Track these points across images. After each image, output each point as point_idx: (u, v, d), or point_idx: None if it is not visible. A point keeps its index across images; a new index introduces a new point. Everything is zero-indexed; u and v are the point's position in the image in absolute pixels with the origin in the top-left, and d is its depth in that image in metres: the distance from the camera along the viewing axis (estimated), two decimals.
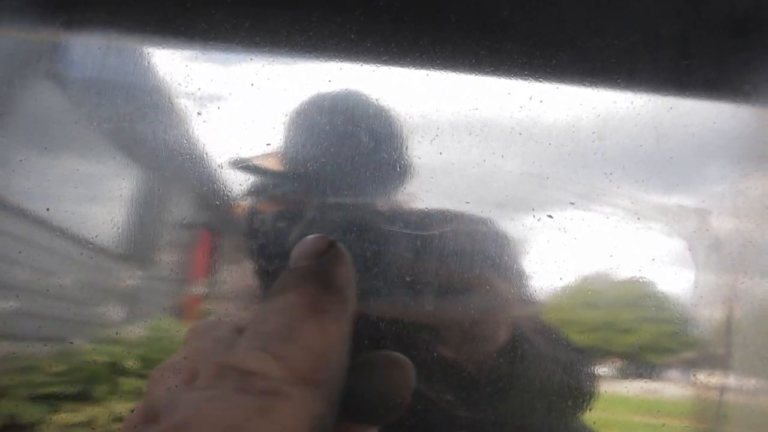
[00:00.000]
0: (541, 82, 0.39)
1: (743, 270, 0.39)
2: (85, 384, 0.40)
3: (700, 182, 0.39)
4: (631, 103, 0.39)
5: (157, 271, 0.41)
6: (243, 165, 0.38)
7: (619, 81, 0.40)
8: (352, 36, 0.38)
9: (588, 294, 0.38)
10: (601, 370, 0.39)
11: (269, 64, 0.39)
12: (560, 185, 0.37)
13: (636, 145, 0.39)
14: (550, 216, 0.37)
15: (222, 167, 0.38)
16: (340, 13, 0.38)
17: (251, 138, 0.38)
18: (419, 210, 0.37)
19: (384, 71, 0.38)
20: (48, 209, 0.39)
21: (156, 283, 0.41)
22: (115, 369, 0.40)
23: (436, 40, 0.39)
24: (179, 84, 0.39)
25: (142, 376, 0.39)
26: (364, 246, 0.35)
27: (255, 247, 0.37)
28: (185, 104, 0.39)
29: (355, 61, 0.38)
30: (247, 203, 0.39)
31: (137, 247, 0.40)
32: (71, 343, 0.40)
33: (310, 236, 0.28)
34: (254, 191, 0.39)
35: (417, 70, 0.39)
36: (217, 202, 0.39)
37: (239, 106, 0.38)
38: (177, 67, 0.40)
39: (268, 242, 0.37)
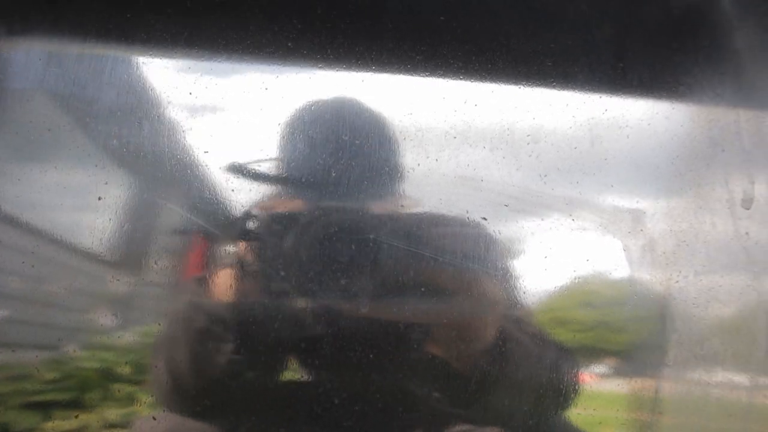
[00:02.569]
0: (476, 85, 0.38)
1: (677, 269, 0.38)
2: (78, 391, 0.40)
3: (635, 183, 0.39)
4: (566, 105, 0.39)
5: (149, 276, 0.40)
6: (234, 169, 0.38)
7: (554, 84, 0.39)
8: (289, 44, 0.38)
9: (523, 293, 0.38)
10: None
11: (208, 72, 0.38)
12: (495, 188, 0.37)
13: (571, 147, 0.38)
14: (484, 218, 0.37)
15: (212, 175, 0.38)
16: (276, 21, 0.38)
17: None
18: (354, 211, 0.36)
19: (320, 77, 0.38)
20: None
21: (148, 289, 0.40)
22: (108, 375, 0.40)
23: (372, 45, 0.38)
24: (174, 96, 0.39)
25: (134, 382, 0.39)
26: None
27: (248, 251, 0.38)
28: (173, 114, 0.39)
29: (292, 68, 0.38)
30: (238, 209, 0.39)
31: (128, 254, 0.39)
32: (63, 350, 0.39)
33: None
34: (247, 196, 0.39)
35: (353, 75, 0.38)
36: (209, 207, 0.38)
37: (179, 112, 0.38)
38: (130, 75, 0.40)
39: (262, 246, 0.37)
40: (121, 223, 0.38)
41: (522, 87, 0.39)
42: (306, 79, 0.38)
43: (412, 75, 0.38)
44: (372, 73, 0.38)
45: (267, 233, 0.37)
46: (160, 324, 0.38)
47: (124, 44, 0.39)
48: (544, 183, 0.38)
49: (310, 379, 0.38)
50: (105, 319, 0.39)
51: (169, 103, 0.38)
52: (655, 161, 0.39)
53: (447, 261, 0.36)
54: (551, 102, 0.39)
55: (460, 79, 0.38)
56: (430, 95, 0.38)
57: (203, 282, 0.38)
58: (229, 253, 0.39)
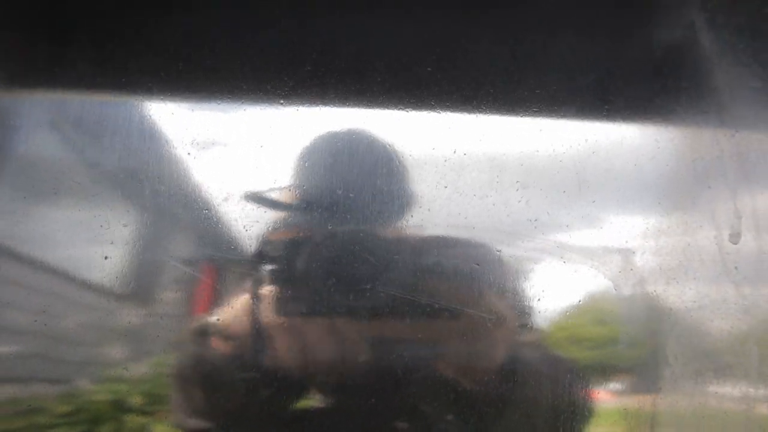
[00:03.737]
0: (464, 135, 0.39)
1: (668, 306, 0.39)
2: (90, 423, 0.40)
3: (623, 224, 0.40)
4: (554, 150, 0.40)
5: (160, 308, 0.40)
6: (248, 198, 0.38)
7: (541, 130, 0.40)
8: (281, 101, 0.39)
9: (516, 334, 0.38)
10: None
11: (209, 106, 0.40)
12: (486, 235, 0.38)
13: (559, 192, 0.39)
14: (477, 264, 0.37)
15: (218, 205, 0.39)
16: (268, 81, 0.38)
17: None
18: (348, 263, 0.37)
19: (310, 133, 0.39)
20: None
21: (159, 320, 0.40)
22: (120, 407, 0.39)
23: (362, 99, 0.39)
24: (177, 130, 0.40)
25: (147, 413, 0.39)
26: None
27: (259, 278, 0.38)
28: (177, 150, 0.39)
29: (283, 125, 0.39)
30: (246, 237, 0.39)
31: (138, 286, 0.39)
32: (75, 383, 0.39)
33: None
34: (254, 225, 0.39)
35: (342, 127, 0.39)
36: (217, 236, 0.39)
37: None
38: (170, 117, 0.41)
39: (274, 272, 0.37)
40: (130, 257, 0.39)
41: (509, 134, 0.40)
42: (298, 135, 0.38)
43: (401, 127, 0.39)
44: (362, 126, 0.39)
45: (272, 260, 0.38)
46: (171, 354, 0.39)
47: (126, 87, 0.40)
48: (535, 227, 0.38)
49: (322, 401, 0.39)
50: (116, 351, 0.40)
51: (172, 137, 0.39)
52: (642, 202, 0.40)
53: (443, 308, 0.36)
54: (538, 148, 0.39)
55: (449, 129, 0.39)
56: (420, 146, 0.39)
57: (213, 312, 0.39)
58: (237, 282, 0.39)
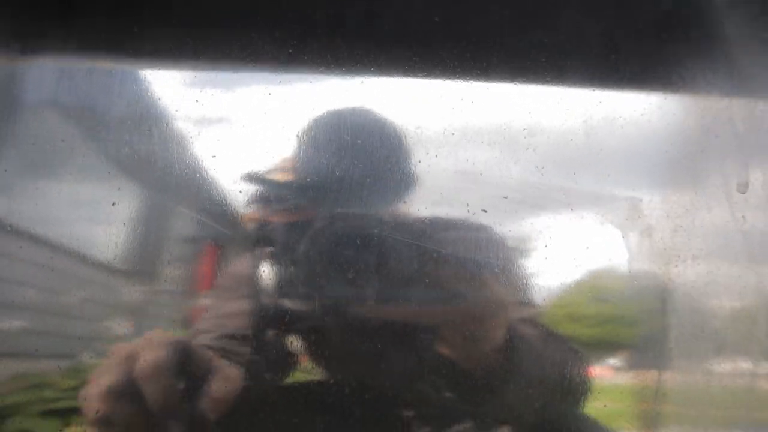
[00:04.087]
0: (472, 84, 0.39)
1: (675, 254, 0.39)
2: None
3: (630, 172, 0.40)
4: (561, 99, 0.40)
5: (163, 284, 0.41)
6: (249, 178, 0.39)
7: (548, 79, 0.40)
8: (290, 50, 0.39)
9: (524, 282, 0.38)
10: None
11: (213, 81, 0.40)
12: (493, 181, 0.38)
13: (566, 140, 0.39)
14: (484, 210, 0.38)
15: (222, 184, 0.39)
16: (277, 28, 0.39)
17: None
18: (358, 210, 0.37)
19: (321, 81, 0.39)
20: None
21: (162, 297, 0.41)
22: None
23: (370, 49, 0.39)
24: (174, 108, 0.40)
25: None
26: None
27: (259, 254, 0.38)
28: (183, 126, 0.40)
29: (293, 73, 0.39)
30: (249, 215, 0.40)
31: (142, 263, 0.40)
32: (80, 358, 0.40)
33: None
34: (256, 203, 0.40)
35: (353, 78, 0.40)
36: (220, 215, 0.39)
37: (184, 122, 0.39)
38: (139, 87, 0.41)
39: (275, 252, 0.38)
40: (133, 233, 0.39)
41: (517, 83, 0.40)
42: (308, 84, 0.39)
43: (409, 76, 0.39)
44: (370, 76, 0.39)
45: (276, 234, 0.38)
46: (174, 329, 0.40)
47: (132, 57, 0.41)
48: (542, 175, 0.38)
49: (322, 373, 0.40)
50: (120, 326, 0.40)
51: (176, 112, 0.39)
52: (650, 151, 0.40)
53: (450, 253, 0.37)
54: (546, 97, 0.40)
55: (457, 78, 0.39)
56: (427, 95, 0.39)
57: (215, 286, 0.40)
58: (239, 257, 0.40)
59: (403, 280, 0.36)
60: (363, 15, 0.39)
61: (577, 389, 0.38)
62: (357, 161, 0.37)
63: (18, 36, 0.41)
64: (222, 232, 0.40)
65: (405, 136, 0.38)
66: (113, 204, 0.38)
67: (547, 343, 0.38)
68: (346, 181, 0.37)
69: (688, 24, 0.41)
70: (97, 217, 0.40)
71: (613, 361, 0.41)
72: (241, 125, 0.39)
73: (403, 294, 0.36)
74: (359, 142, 0.38)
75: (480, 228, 0.37)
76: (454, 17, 0.39)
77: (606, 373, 0.40)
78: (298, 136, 0.39)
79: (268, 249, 0.38)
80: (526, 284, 0.38)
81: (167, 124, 0.39)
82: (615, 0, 0.42)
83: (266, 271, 0.38)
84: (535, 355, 0.37)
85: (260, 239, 0.39)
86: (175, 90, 0.41)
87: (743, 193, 0.39)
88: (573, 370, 0.37)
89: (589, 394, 0.38)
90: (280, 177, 0.39)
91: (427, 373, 0.38)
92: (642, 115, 0.40)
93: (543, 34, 0.40)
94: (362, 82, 0.39)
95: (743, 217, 0.39)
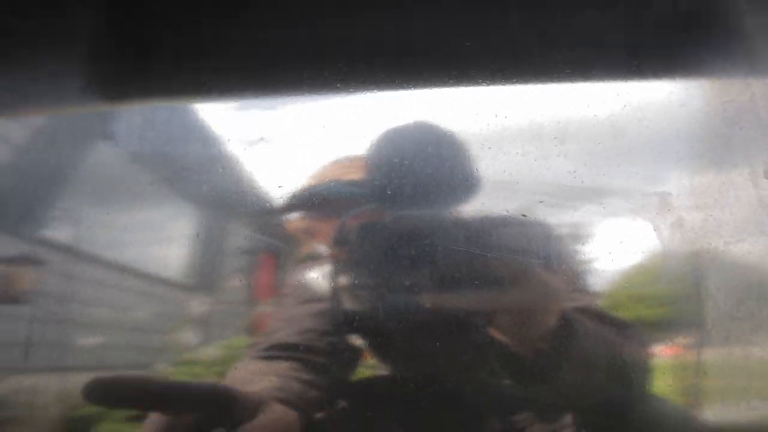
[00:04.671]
0: (503, 99, 0.43)
1: (707, 241, 0.42)
2: None
3: (659, 168, 0.42)
4: (588, 106, 0.43)
5: (226, 295, 0.44)
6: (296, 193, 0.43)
7: (574, 89, 0.43)
8: (338, 85, 0.44)
9: (563, 276, 0.42)
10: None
11: (287, 105, 0.45)
12: (529, 188, 0.42)
13: (595, 143, 0.42)
14: (523, 215, 0.41)
15: (271, 196, 0.43)
16: (325, 66, 0.44)
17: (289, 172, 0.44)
18: (410, 220, 0.42)
19: (367, 106, 0.44)
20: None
21: (226, 307, 0.44)
22: None
23: (410, 74, 0.44)
24: (220, 131, 0.45)
25: None
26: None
27: (317, 263, 0.42)
28: (229, 147, 0.44)
29: (342, 96, 0.44)
30: (303, 224, 0.44)
31: (204, 277, 0.44)
32: (155, 368, 0.44)
33: None
34: (309, 213, 0.44)
35: (396, 102, 0.44)
36: (275, 227, 0.43)
37: (274, 143, 0.44)
38: (214, 117, 0.47)
39: (331, 257, 0.42)
40: (195, 250, 0.44)
41: (545, 95, 0.43)
42: (355, 109, 0.44)
43: (447, 96, 0.44)
44: (409, 99, 0.44)
45: (335, 244, 0.43)
46: (239, 337, 0.44)
47: (210, 93, 0.46)
48: (574, 178, 0.42)
49: (387, 369, 0.44)
50: (189, 337, 0.44)
51: (236, 140, 0.44)
52: (676, 146, 0.42)
53: (496, 255, 0.41)
54: (573, 105, 0.43)
55: (489, 95, 0.43)
56: (464, 113, 0.43)
57: (277, 295, 0.44)
58: (296, 267, 0.44)
59: (457, 275, 0.39)
60: (398, 45, 0.44)
61: (635, 370, 0.40)
62: (408, 173, 0.42)
63: (102, 83, 0.47)
64: (277, 242, 0.44)
65: (448, 151, 0.42)
66: (172, 225, 0.44)
67: (600, 325, 0.40)
68: (400, 191, 0.41)
69: (708, 22, 0.44)
70: (161, 238, 0.44)
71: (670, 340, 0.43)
72: (290, 141, 0.44)
73: (458, 287, 0.39)
74: (410, 157, 0.42)
75: (526, 224, 0.41)
76: (483, 41, 0.43)
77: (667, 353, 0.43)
78: (349, 152, 0.44)
79: (325, 253, 0.43)
80: (573, 274, 0.42)
81: (225, 151, 0.44)
82: (632, 7, 0.44)
83: (325, 275, 0.42)
84: (589, 339, 0.39)
85: (317, 245, 0.43)
86: (230, 120, 0.46)
87: None
88: (627, 351, 0.40)
89: (648, 374, 0.40)
90: (332, 186, 0.43)
91: (486, 363, 0.41)
92: (665, 113, 0.42)
93: (566, 47, 0.43)
94: (405, 106, 0.43)
95: None
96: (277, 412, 0.36)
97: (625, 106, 0.42)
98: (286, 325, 0.42)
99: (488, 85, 0.43)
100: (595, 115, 0.42)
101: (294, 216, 0.43)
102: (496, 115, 0.42)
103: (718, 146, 0.42)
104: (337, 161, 0.43)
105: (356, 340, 0.42)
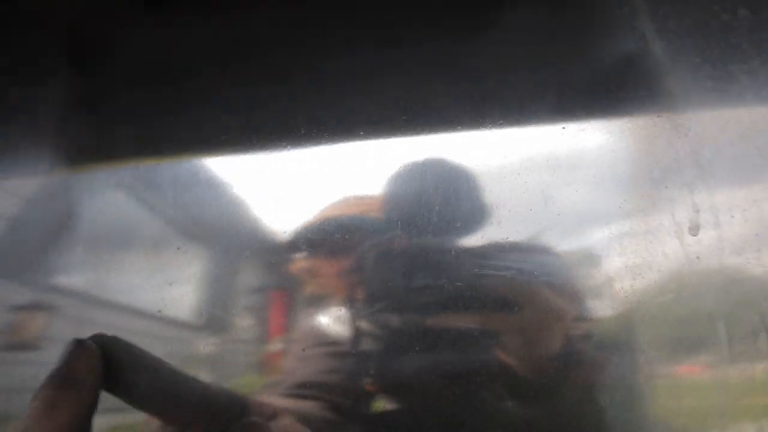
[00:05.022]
0: (436, 171, 0.45)
1: (635, 300, 0.44)
2: None
3: (588, 231, 0.44)
4: (518, 174, 0.45)
5: (237, 334, 0.45)
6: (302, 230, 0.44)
7: (505, 156, 0.45)
8: (361, 132, 0.46)
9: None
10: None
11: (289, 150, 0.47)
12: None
13: (527, 210, 0.44)
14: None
15: (280, 234, 0.45)
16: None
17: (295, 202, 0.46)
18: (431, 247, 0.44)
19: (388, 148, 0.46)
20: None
21: (236, 346, 0.45)
22: None
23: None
24: (231, 177, 0.48)
25: None
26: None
27: (324, 296, 0.44)
28: (237, 189, 0.47)
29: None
30: (312, 261, 0.45)
31: (215, 317, 0.45)
32: None
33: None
34: (317, 250, 0.45)
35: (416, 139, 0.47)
36: (283, 264, 0.45)
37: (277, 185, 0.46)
38: (225, 166, 0.48)
39: (342, 292, 0.43)
40: (203, 293, 0.45)
41: (474, 162, 0.45)
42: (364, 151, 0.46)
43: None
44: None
45: (350, 274, 0.44)
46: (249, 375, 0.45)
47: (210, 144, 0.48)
48: (502, 243, 0.44)
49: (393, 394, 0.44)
50: (200, 376, 0.46)
51: (245, 183, 0.46)
52: (604, 208, 0.44)
53: (509, 270, 0.43)
54: (503, 172, 0.45)
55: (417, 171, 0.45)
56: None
57: (289, 333, 0.45)
58: (309, 304, 0.46)
59: (467, 295, 0.41)
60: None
61: (640, 394, 0.42)
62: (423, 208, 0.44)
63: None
64: (288, 279, 0.45)
65: (465, 184, 0.44)
66: (180, 270, 0.45)
67: (601, 349, 0.42)
68: (413, 224, 0.43)
69: (633, 83, 0.45)
70: (168, 281, 0.45)
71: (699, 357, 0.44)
72: (298, 185, 0.46)
73: (467, 310, 0.41)
74: (434, 187, 0.44)
75: (538, 249, 0.43)
76: (418, 114, 0.45)
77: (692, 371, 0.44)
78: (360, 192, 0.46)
79: (336, 290, 0.44)
80: (581, 295, 0.43)
81: (229, 193, 0.46)
82: (560, 71, 0.46)
83: (339, 313, 0.43)
84: (591, 362, 0.41)
85: (326, 282, 0.44)
86: (235, 165, 0.48)
87: (695, 235, 0.43)
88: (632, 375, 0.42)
89: (654, 397, 0.42)
90: (356, 217, 0.45)
91: (490, 385, 0.42)
92: (594, 177, 0.44)
93: (496, 114, 0.45)
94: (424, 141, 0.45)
95: (697, 258, 0.43)
96: (288, 424, 0.37)
97: (554, 172, 0.44)
98: (304, 364, 0.43)
99: (418, 155, 0.45)
100: (525, 183, 0.44)
101: (303, 253, 0.44)
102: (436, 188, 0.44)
103: (645, 207, 0.43)
104: (348, 199, 0.45)
105: (373, 379, 0.43)
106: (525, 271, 0.43)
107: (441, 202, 0.44)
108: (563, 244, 0.44)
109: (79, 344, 0.31)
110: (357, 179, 0.46)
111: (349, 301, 0.43)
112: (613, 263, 0.44)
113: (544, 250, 0.43)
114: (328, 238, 0.44)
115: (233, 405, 0.35)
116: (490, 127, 0.45)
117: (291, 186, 0.46)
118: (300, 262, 0.45)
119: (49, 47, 0.51)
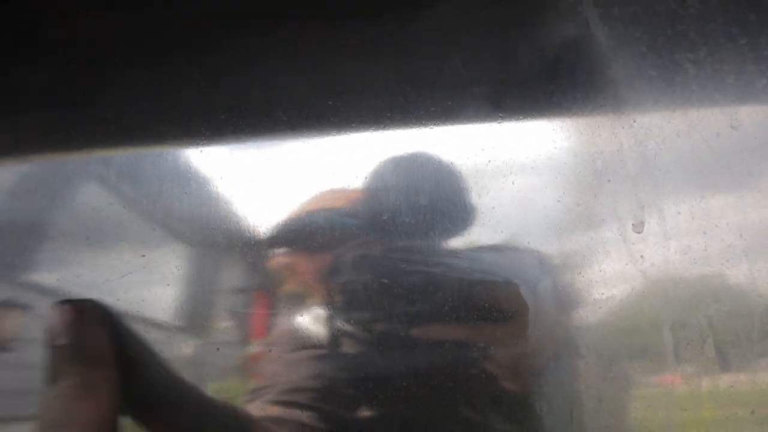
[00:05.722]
0: (365, 155, 0.42)
1: (576, 299, 0.40)
2: None
3: (523, 226, 0.41)
4: (452, 162, 0.42)
5: (218, 336, 0.43)
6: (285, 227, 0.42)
7: (435, 144, 0.42)
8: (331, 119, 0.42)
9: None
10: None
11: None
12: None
13: (459, 201, 0.41)
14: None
15: (262, 232, 0.42)
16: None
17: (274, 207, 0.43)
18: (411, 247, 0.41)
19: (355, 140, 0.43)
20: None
21: (214, 347, 0.43)
22: None
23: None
24: (209, 171, 0.44)
25: None
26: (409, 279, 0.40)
27: (305, 298, 0.41)
28: (220, 185, 0.43)
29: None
30: (295, 261, 0.42)
31: (196, 318, 0.42)
32: None
33: (61, 306, 0.28)
34: (301, 249, 0.42)
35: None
36: (266, 264, 0.42)
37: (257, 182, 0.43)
38: (203, 159, 0.45)
39: (325, 293, 0.41)
40: (184, 293, 0.42)
41: (405, 148, 0.42)
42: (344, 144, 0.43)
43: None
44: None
45: (329, 277, 0.41)
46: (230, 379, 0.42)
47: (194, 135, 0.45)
48: (439, 238, 0.40)
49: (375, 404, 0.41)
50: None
51: (226, 178, 0.43)
52: (542, 201, 0.41)
53: (496, 275, 0.40)
54: (438, 159, 0.42)
55: (346, 157, 0.42)
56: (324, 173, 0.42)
57: (271, 334, 0.42)
58: (292, 305, 0.43)
59: (452, 303, 0.39)
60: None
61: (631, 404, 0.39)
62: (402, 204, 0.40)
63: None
64: (270, 279, 0.42)
65: (451, 179, 0.41)
66: (161, 267, 0.42)
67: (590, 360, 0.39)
68: (393, 222, 0.40)
69: (574, 71, 0.43)
70: (149, 280, 0.43)
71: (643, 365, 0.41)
72: (282, 180, 0.43)
73: (452, 315, 0.39)
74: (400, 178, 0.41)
75: (524, 251, 0.40)
76: (347, 99, 0.42)
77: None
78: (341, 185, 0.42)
79: (316, 289, 0.41)
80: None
81: (209, 186, 0.43)
82: (498, 59, 0.43)
83: (321, 314, 0.41)
84: (579, 374, 0.39)
85: (306, 280, 0.42)
86: (212, 159, 0.44)
87: (639, 232, 0.40)
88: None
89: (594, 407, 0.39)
90: (335, 211, 0.42)
91: (473, 396, 0.40)
92: (533, 168, 0.41)
93: (431, 102, 0.42)
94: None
95: (641, 256, 0.40)
96: None
97: (489, 162, 0.41)
98: (287, 369, 0.41)
99: (347, 145, 0.41)
100: (460, 173, 0.41)
101: (284, 250, 0.41)
102: (356, 177, 0.41)
103: (587, 201, 0.40)
104: (328, 192, 0.42)
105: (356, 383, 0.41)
106: (457, 268, 0.40)
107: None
108: (497, 238, 0.41)
109: (86, 313, 0.28)
110: (342, 173, 0.43)
111: (329, 304, 0.41)
112: (551, 259, 0.40)
113: (479, 246, 0.40)
114: (309, 234, 0.41)
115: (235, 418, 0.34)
116: (423, 120, 0.42)
117: (270, 181, 0.43)
118: (279, 258, 0.42)
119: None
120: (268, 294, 0.42)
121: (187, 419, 0.32)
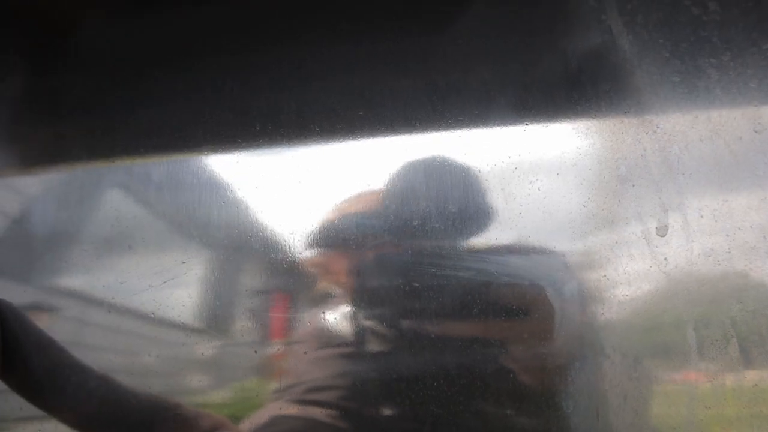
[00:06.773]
0: (394, 164, 0.44)
1: (601, 303, 0.41)
2: None
3: (550, 231, 0.42)
4: (479, 171, 0.43)
5: (239, 336, 0.44)
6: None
7: (465, 153, 0.43)
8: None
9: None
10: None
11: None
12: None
13: (489, 206, 0.43)
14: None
15: (283, 235, 0.44)
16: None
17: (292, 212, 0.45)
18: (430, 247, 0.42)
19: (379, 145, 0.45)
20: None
21: (238, 348, 0.44)
22: None
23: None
24: (247, 179, 0.46)
25: None
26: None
27: (325, 298, 0.43)
28: (256, 193, 0.45)
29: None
30: (329, 265, 0.44)
31: (217, 319, 0.44)
32: None
33: None
34: (334, 254, 0.44)
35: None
36: (285, 266, 0.44)
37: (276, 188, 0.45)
38: (224, 166, 0.47)
39: (358, 296, 0.43)
40: (205, 295, 0.44)
41: (436, 154, 0.43)
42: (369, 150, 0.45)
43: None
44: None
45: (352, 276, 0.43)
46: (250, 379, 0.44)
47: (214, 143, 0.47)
48: (467, 244, 0.42)
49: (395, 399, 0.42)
50: (199, 380, 0.44)
51: (248, 183, 0.45)
52: (568, 206, 0.42)
53: (513, 274, 0.41)
54: (465, 167, 0.43)
55: (380, 164, 0.43)
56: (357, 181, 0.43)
57: (292, 335, 0.43)
58: (312, 306, 0.44)
59: (480, 306, 0.40)
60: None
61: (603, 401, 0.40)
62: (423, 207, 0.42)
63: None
64: (290, 280, 0.44)
65: (478, 186, 0.42)
66: (180, 270, 0.44)
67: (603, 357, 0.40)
68: (414, 224, 0.42)
69: (598, 79, 0.43)
70: (168, 283, 0.45)
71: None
72: (302, 185, 0.45)
73: (481, 318, 0.40)
74: (430, 185, 0.42)
75: (550, 255, 0.41)
76: (377, 109, 0.43)
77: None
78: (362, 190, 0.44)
79: (341, 290, 0.43)
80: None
81: (246, 195, 0.45)
82: (523, 67, 0.44)
83: (344, 313, 0.42)
84: (604, 374, 0.40)
85: (332, 281, 0.43)
86: (233, 165, 0.46)
87: (663, 236, 0.41)
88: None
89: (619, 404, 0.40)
90: (357, 215, 0.43)
91: (501, 395, 0.41)
92: (558, 174, 0.42)
93: (457, 111, 0.43)
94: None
95: (665, 259, 0.41)
96: None
97: (515, 169, 0.42)
98: (311, 368, 0.42)
99: (376, 152, 0.43)
100: (487, 180, 0.42)
101: (319, 255, 0.43)
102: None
103: (611, 206, 0.41)
104: (360, 198, 0.44)
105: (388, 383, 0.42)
106: (485, 272, 0.41)
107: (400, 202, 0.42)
108: (524, 243, 0.42)
109: None
110: (364, 178, 0.44)
111: (362, 306, 0.42)
112: (577, 262, 0.42)
113: (506, 250, 0.41)
114: (342, 240, 0.43)
115: (152, 410, 0.32)
116: (451, 128, 0.43)
117: (303, 188, 0.45)
118: (314, 262, 0.44)
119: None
120: (289, 296, 0.44)
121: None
